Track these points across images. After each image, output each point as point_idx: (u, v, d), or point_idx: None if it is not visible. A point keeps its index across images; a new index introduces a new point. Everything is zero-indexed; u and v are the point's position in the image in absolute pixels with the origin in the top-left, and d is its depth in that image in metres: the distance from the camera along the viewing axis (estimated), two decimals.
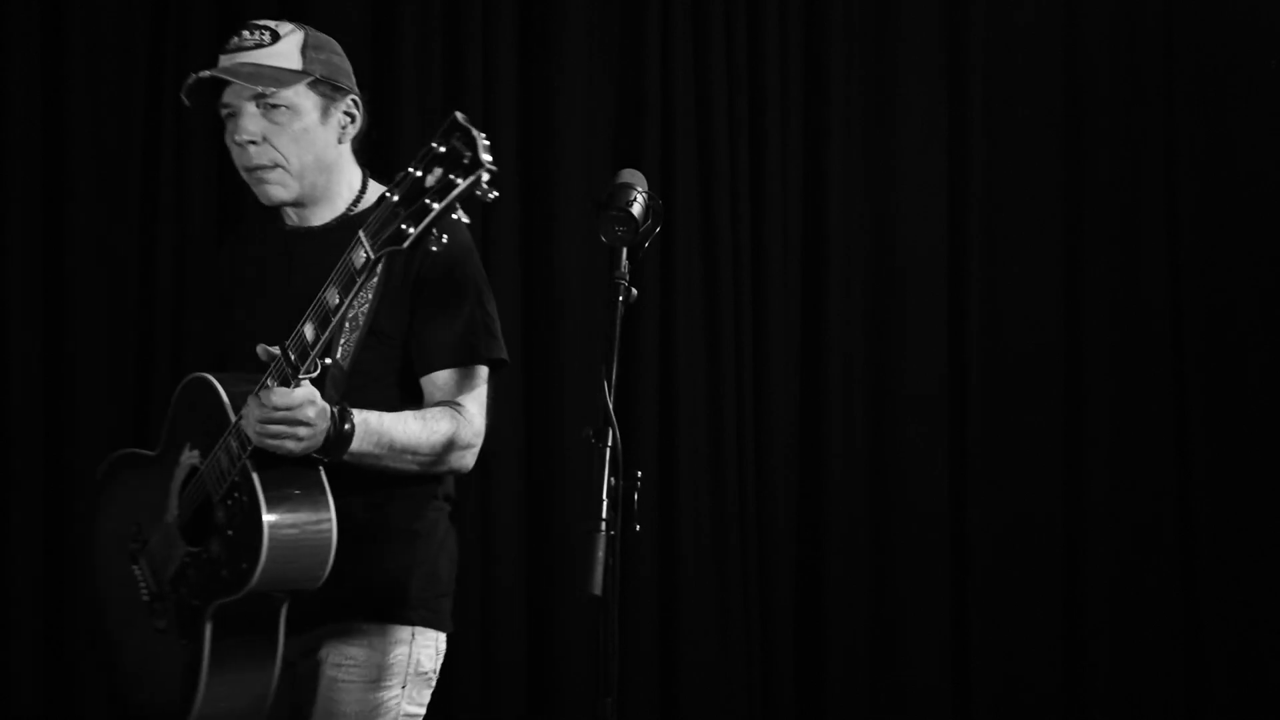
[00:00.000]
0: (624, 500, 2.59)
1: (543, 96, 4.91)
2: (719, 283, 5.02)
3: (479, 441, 3.06)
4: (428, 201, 2.56)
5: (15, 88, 4.50)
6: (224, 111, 3.09)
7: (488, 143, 2.52)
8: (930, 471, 5.20)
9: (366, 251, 2.66)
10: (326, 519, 2.86)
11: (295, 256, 3.11)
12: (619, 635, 2.59)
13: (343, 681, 3.03)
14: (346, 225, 3.04)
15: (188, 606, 2.95)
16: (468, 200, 2.55)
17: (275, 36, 3.11)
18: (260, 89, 3.02)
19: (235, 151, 3.09)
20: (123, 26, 4.61)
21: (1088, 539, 5.30)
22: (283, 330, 2.85)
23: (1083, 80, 5.39)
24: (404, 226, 2.59)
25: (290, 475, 2.85)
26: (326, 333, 2.74)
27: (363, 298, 2.87)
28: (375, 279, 2.87)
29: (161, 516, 3.03)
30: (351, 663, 3.04)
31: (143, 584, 3.07)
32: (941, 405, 5.22)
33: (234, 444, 2.85)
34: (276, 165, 3.05)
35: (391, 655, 3.07)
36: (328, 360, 2.79)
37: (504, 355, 3.08)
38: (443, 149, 2.55)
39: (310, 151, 3.05)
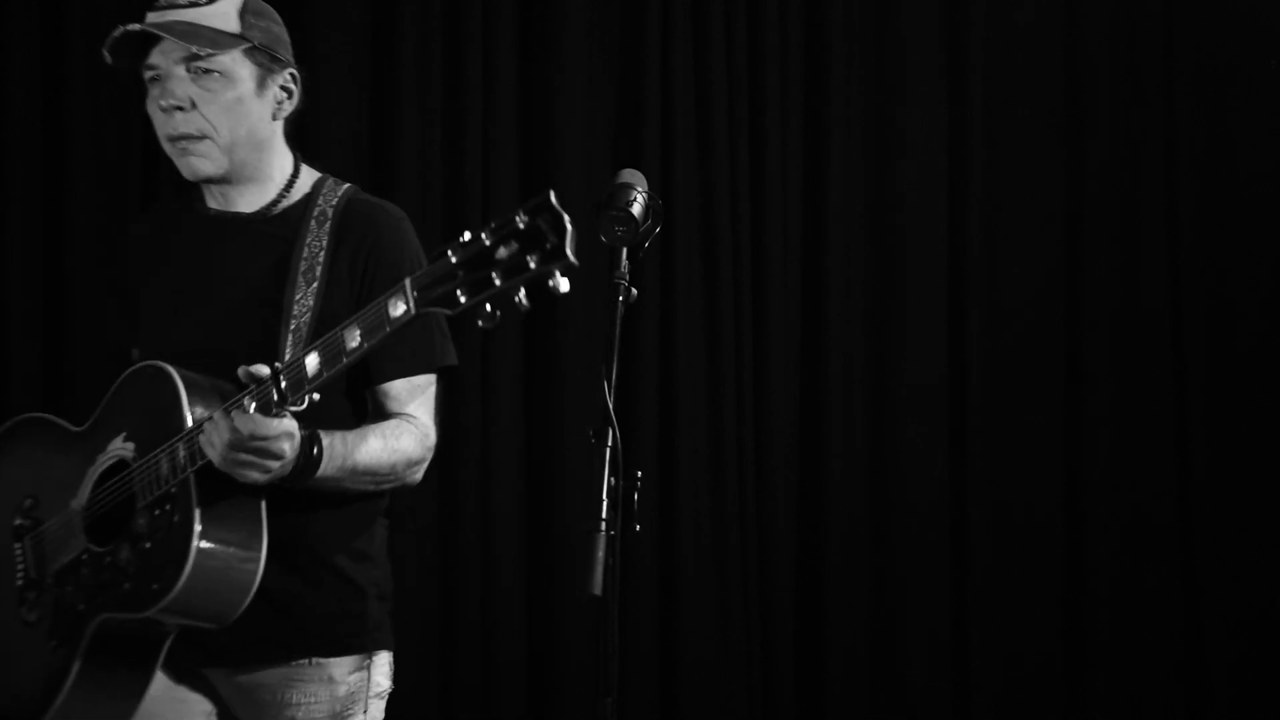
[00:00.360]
0: (624, 500, 2.59)
1: (543, 96, 4.91)
2: (719, 283, 5.02)
3: (431, 455, 2.92)
4: (493, 275, 2.34)
5: (15, 88, 4.50)
6: (148, 74, 2.85)
7: (574, 233, 2.40)
8: (930, 471, 5.20)
9: (409, 304, 2.42)
10: (255, 558, 2.64)
11: (221, 246, 2.89)
12: (619, 635, 2.58)
13: None
14: (282, 216, 2.88)
15: (69, 608, 2.72)
16: (531, 285, 2.37)
17: None
18: (195, 49, 2.77)
19: (159, 119, 2.85)
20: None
21: (1088, 539, 5.30)
22: (211, 330, 2.71)
23: (1083, 80, 5.39)
24: (459, 293, 2.36)
25: (231, 502, 2.63)
26: (333, 373, 2.54)
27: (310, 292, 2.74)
28: (316, 280, 2.75)
29: (67, 500, 2.79)
30: (313, 700, 2.88)
31: (20, 566, 2.83)
32: (941, 405, 5.22)
33: (182, 453, 2.64)
34: (204, 136, 2.82)
35: (353, 686, 2.94)
36: (317, 396, 2.57)
37: (455, 360, 2.93)
38: (525, 225, 2.37)
39: (243, 124, 2.82)
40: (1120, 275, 5.39)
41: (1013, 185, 5.34)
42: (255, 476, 2.60)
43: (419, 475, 2.92)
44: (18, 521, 2.86)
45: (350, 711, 2.93)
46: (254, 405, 2.56)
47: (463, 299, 2.36)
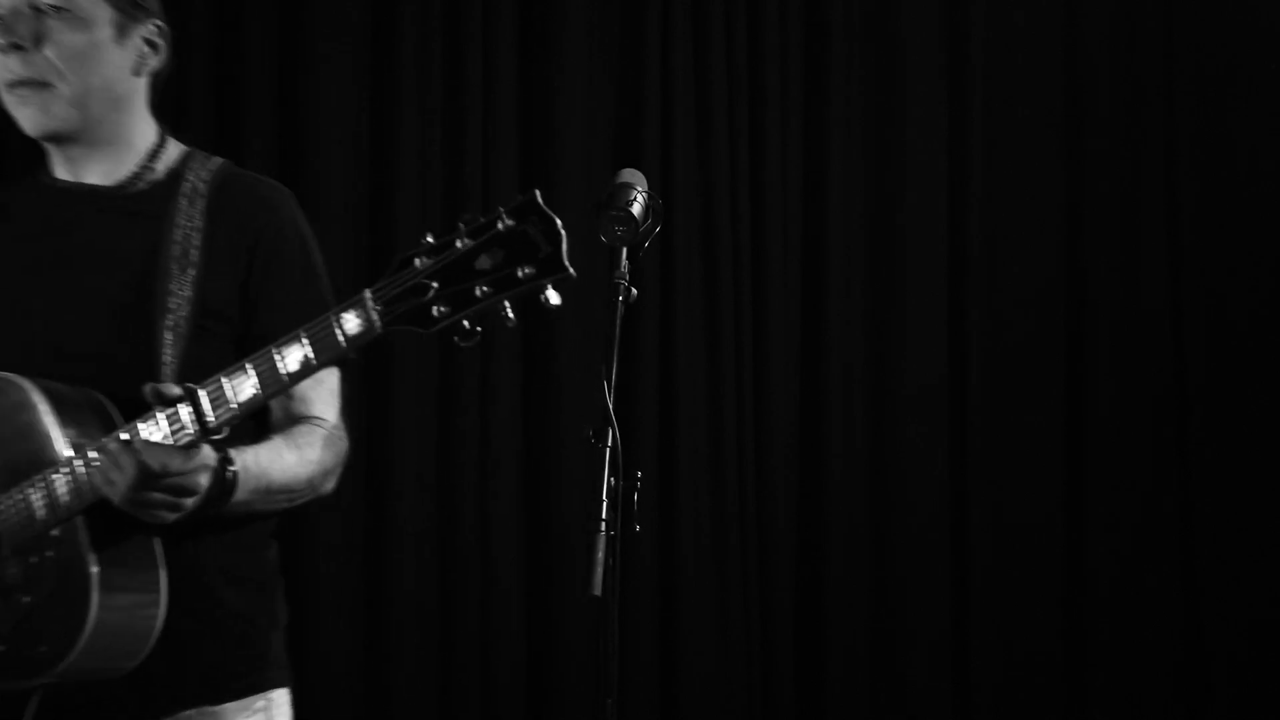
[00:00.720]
0: (624, 500, 2.59)
1: (543, 96, 4.91)
2: (719, 283, 5.02)
3: (344, 461, 2.58)
4: (476, 289, 2.03)
5: None
6: None
7: (568, 240, 2.10)
8: (930, 471, 5.20)
9: (371, 320, 2.11)
10: (155, 601, 2.25)
11: (75, 226, 2.48)
12: (619, 635, 2.58)
13: None
14: (147, 193, 2.52)
15: None
16: (521, 299, 2.09)
17: None
18: None
19: None
20: None
21: (1088, 539, 5.30)
22: (69, 328, 2.36)
23: (1083, 80, 5.39)
24: (435, 308, 2.05)
25: (128, 541, 2.23)
26: (267, 398, 2.18)
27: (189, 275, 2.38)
28: (193, 267, 2.39)
29: None
30: None
31: None
32: (941, 405, 5.22)
33: (63, 490, 2.21)
34: (48, 83, 2.42)
35: None
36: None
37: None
38: (510, 229, 2.05)
39: (97, 74, 2.45)
40: (1120, 275, 5.39)
41: (1013, 185, 5.34)
42: (165, 516, 2.21)
43: (333, 485, 2.56)
44: None
45: None
46: (160, 433, 2.16)
47: (442, 315, 2.05)
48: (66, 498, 2.22)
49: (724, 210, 5.03)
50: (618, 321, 2.72)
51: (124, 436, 2.18)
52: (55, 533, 2.22)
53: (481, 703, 4.76)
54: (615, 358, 2.68)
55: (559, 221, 2.09)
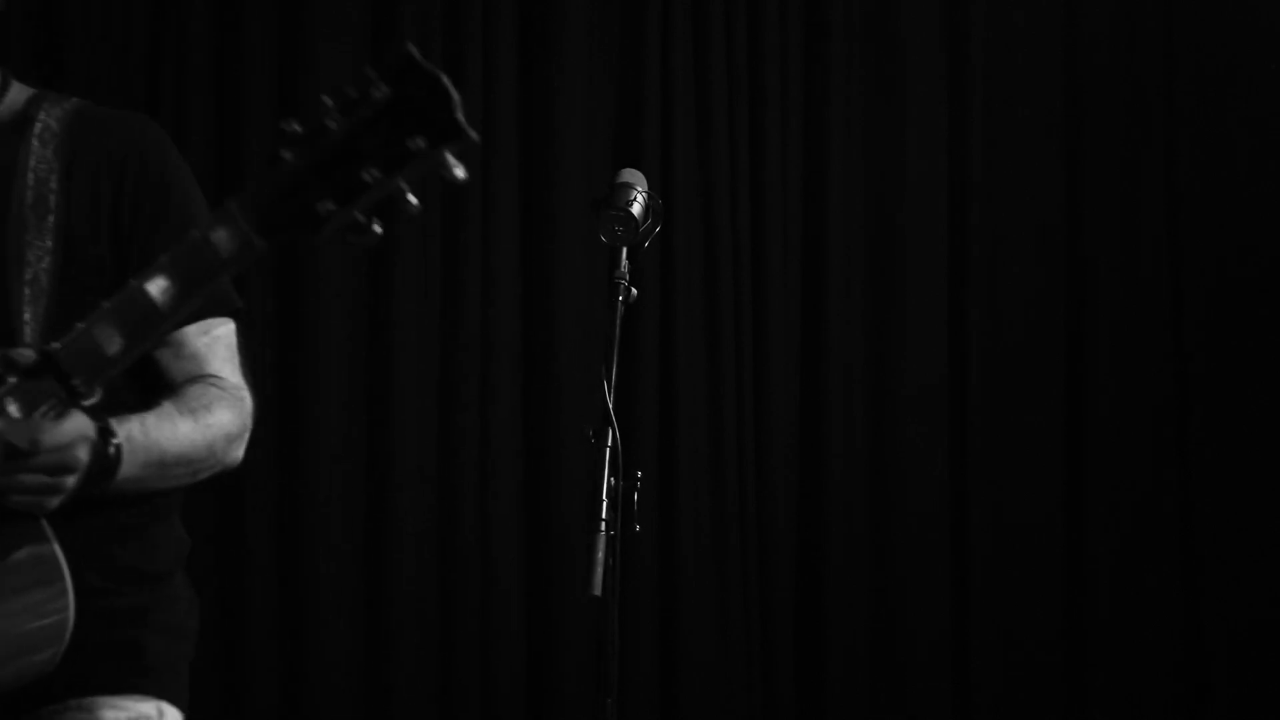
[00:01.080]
0: (624, 500, 2.59)
1: (543, 96, 4.91)
2: (719, 283, 5.02)
3: (251, 423, 2.26)
4: (364, 173, 1.73)
5: None
6: None
7: (459, 98, 1.79)
8: (930, 471, 5.20)
9: (242, 232, 1.79)
10: (62, 597, 1.97)
11: None
12: (619, 635, 2.58)
13: None
14: None
15: None
16: (421, 176, 1.79)
17: None
18: None
19: None
20: (121, 30, 4.62)
21: (1088, 539, 5.30)
22: None
23: (1083, 80, 5.39)
24: (319, 205, 1.75)
25: (9, 533, 1.95)
26: (142, 346, 1.86)
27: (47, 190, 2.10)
28: (51, 214, 2.11)
29: None
30: None
31: None
32: (941, 405, 5.22)
33: None
34: None
35: None
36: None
37: (241, 302, 2.30)
38: (389, 97, 1.75)
39: None
40: (1120, 275, 5.39)
41: (1013, 185, 5.34)
42: (46, 502, 1.94)
43: (239, 452, 2.25)
44: None
45: None
46: (19, 407, 1.85)
47: (326, 213, 1.74)
48: None
49: (724, 210, 5.03)
50: (618, 321, 2.72)
51: None
52: None
53: (481, 703, 4.76)
54: (615, 358, 2.68)
55: (444, 78, 1.78)
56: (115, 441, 2.03)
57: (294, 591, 4.67)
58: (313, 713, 4.65)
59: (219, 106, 4.69)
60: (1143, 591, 5.32)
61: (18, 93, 2.31)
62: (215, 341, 2.23)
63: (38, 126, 2.24)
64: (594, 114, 4.97)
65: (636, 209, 2.79)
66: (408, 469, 4.74)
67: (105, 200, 2.19)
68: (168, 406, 2.15)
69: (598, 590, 2.51)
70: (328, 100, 1.76)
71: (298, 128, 1.76)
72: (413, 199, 1.76)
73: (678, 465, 4.93)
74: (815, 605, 5.09)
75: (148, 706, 2.20)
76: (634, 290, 2.76)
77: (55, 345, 1.85)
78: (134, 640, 2.20)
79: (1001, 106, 5.33)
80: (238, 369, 2.25)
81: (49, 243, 2.13)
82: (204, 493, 4.66)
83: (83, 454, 1.94)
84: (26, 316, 2.09)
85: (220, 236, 1.79)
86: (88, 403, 1.88)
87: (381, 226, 1.76)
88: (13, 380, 1.86)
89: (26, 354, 1.86)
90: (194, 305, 1.84)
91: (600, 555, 2.52)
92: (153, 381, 2.19)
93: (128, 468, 2.04)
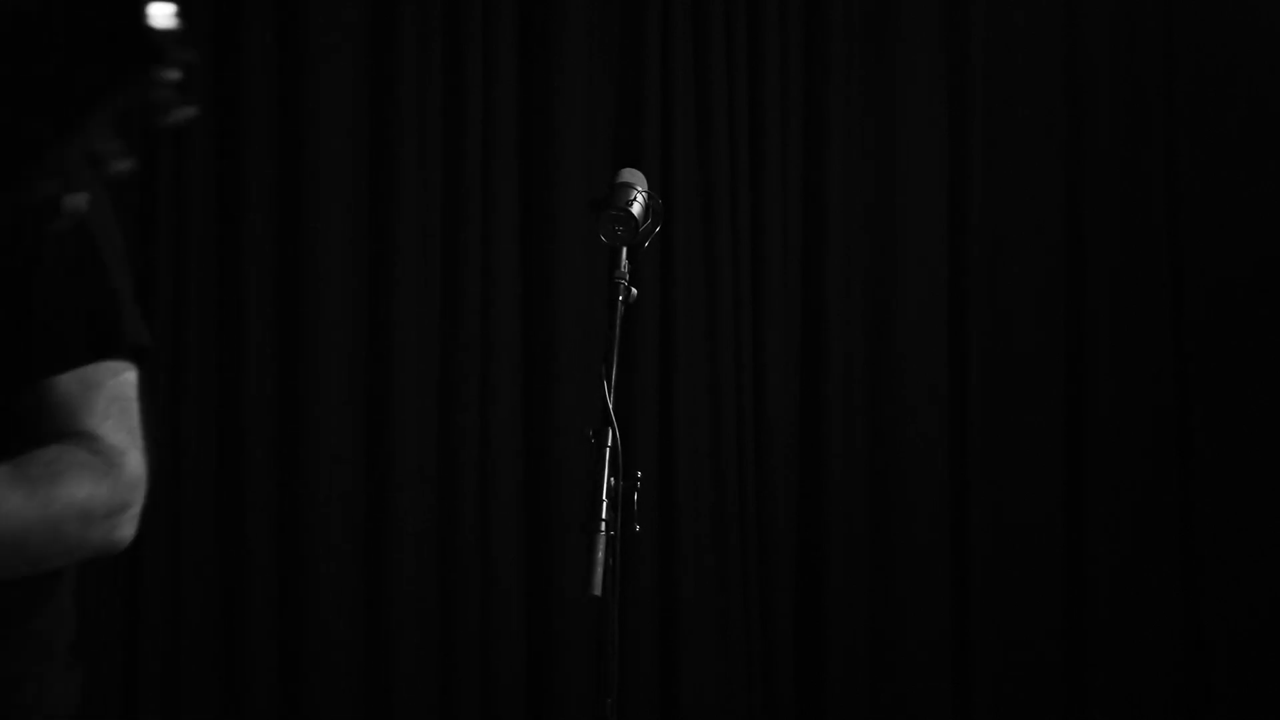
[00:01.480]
0: (624, 500, 2.59)
1: (543, 96, 4.91)
2: (719, 283, 5.02)
3: (140, 494, 1.86)
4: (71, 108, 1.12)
5: None
6: None
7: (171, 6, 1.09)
8: (930, 471, 5.20)
9: None
10: None
11: None
12: (619, 635, 2.58)
13: None
14: None
15: None
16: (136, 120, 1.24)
17: None
18: None
19: None
20: None
21: (1088, 539, 5.30)
22: None
23: (1083, 80, 5.39)
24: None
25: None
26: None
27: None
28: None
29: None
30: None
31: None
32: (942, 405, 5.21)
33: None
34: None
35: None
36: None
37: (149, 340, 1.90)
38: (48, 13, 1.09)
39: None
40: (1120, 275, 5.39)
41: (1013, 185, 5.33)
42: None
43: (120, 534, 1.86)
44: None
45: None
46: None
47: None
48: None
49: (724, 210, 5.03)
50: (618, 321, 2.72)
51: None
52: None
53: (481, 703, 4.76)
54: (615, 358, 2.68)
55: None
56: None
57: (294, 591, 4.67)
58: (313, 713, 4.65)
59: (218, 106, 4.69)
60: (1143, 591, 5.32)
61: None
62: (92, 390, 1.79)
63: None
64: (594, 114, 4.97)
65: (636, 209, 2.80)
66: (408, 469, 4.74)
67: None
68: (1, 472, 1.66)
69: (598, 590, 2.51)
70: None
71: None
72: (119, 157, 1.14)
73: (678, 465, 4.93)
74: (815, 605, 5.09)
75: None
76: (634, 290, 2.76)
77: None
78: None
79: (1001, 106, 5.33)
80: (125, 426, 1.81)
81: None
82: (204, 493, 4.69)
83: None
84: None
85: None
86: None
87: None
88: None
89: None
90: None
91: (600, 555, 2.52)
92: (20, 445, 1.72)
93: None
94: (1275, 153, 5.38)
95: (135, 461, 1.82)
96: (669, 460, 4.93)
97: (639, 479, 2.62)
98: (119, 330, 1.81)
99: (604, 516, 2.55)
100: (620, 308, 2.73)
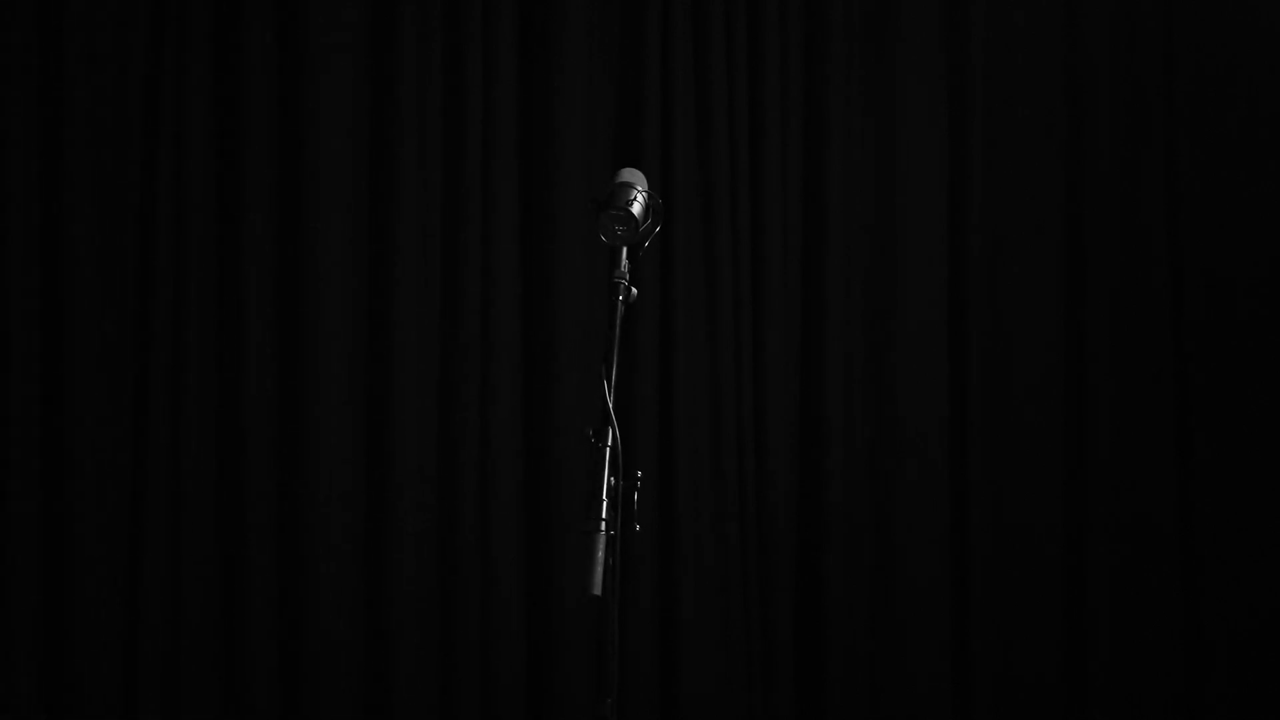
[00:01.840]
0: (624, 500, 2.59)
1: (543, 96, 4.91)
2: (719, 283, 5.02)
3: None
4: None
5: (14, 105, 4.53)
6: None
7: None
8: (930, 472, 5.19)
9: None
10: None
11: None
12: (619, 635, 2.58)
13: None
14: None
15: None
16: None
17: None
18: None
19: None
20: (120, 41, 4.63)
21: (1088, 539, 5.30)
22: None
23: (1083, 80, 5.39)
24: None
25: None
26: None
27: None
28: None
29: None
30: None
31: None
32: (941, 405, 5.21)
33: None
34: None
35: None
36: None
37: None
38: None
39: None
40: (1120, 275, 5.38)
41: (1013, 185, 5.33)
42: None
43: None
44: None
45: None
46: None
47: None
48: None
49: (724, 210, 5.03)
50: (618, 321, 2.72)
51: None
52: None
53: (481, 703, 4.76)
54: (615, 358, 2.68)
55: None
56: None
57: (294, 591, 4.67)
58: (313, 713, 4.65)
59: (219, 105, 4.69)
60: (1143, 591, 5.32)
61: None
62: None
63: None
64: (594, 114, 4.97)
65: (636, 209, 2.79)
66: (408, 469, 4.74)
67: None
68: None
69: (598, 590, 2.51)
70: None
71: None
72: None
73: (678, 465, 4.93)
74: (815, 605, 5.08)
75: None
76: (634, 290, 2.76)
77: None
78: None
79: (1001, 106, 5.33)
80: None
81: None
82: (204, 492, 4.70)
83: None
84: None
85: None
86: None
87: None
88: None
89: None
90: None
91: (600, 555, 2.52)
92: None
93: None
94: (1275, 153, 5.38)
95: None
96: (669, 460, 4.93)
97: (639, 479, 2.62)
98: None
99: (604, 516, 2.55)
100: (620, 308, 2.73)
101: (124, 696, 4.56)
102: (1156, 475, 5.35)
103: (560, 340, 4.86)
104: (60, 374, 4.54)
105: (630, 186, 2.81)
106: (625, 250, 2.78)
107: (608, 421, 2.60)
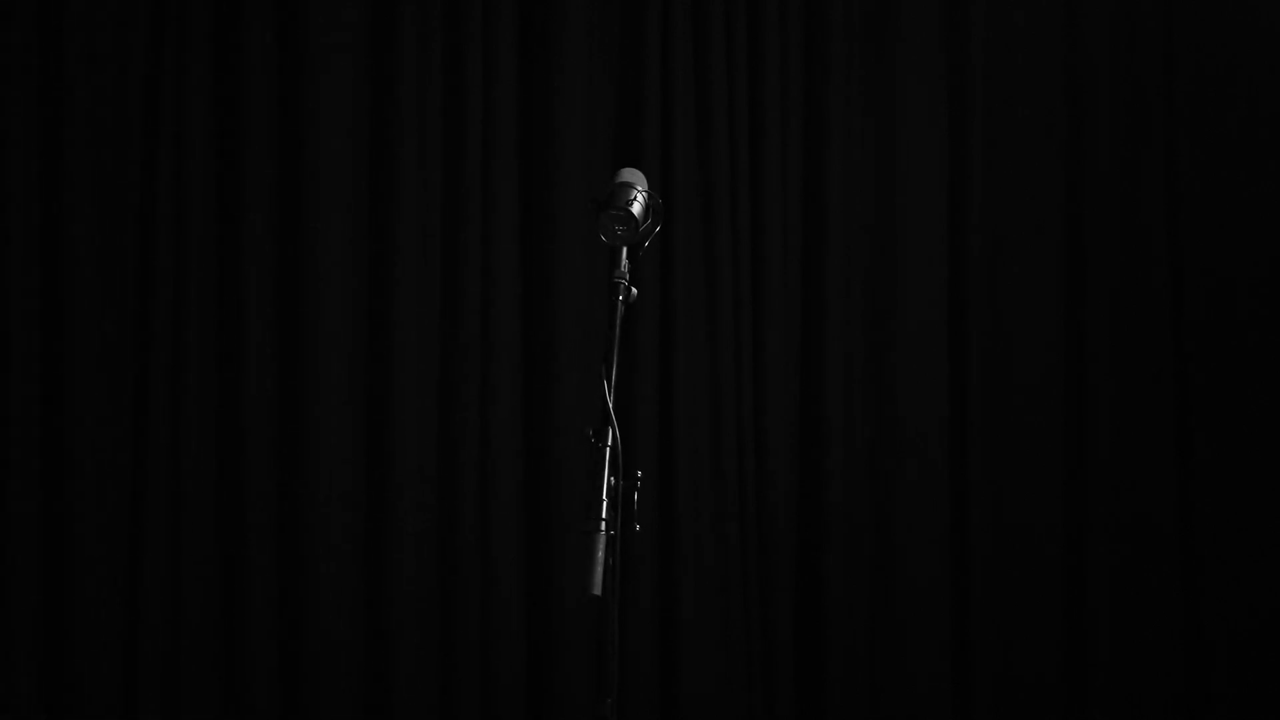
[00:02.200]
0: (624, 500, 2.59)
1: (543, 96, 4.91)
2: (719, 283, 5.02)
3: None
4: None
5: (14, 105, 4.53)
6: None
7: None
8: (930, 472, 5.19)
9: None
10: None
11: None
12: (619, 635, 2.58)
13: None
14: None
15: None
16: None
17: None
18: None
19: None
20: (120, 41, 4.63)
21: (1088, 539, 5.30)
22: None
23: (1083, 80, 5.39)
24: None
25: None
26: None
27: None
28: None
29: None
30: None
31: None
32: (941, 405, 5.21)
33: None
34: None
35: None
36: None
37: None
38: None
39: None
40: (1120, 275, 5.38)
41: (1013, 185, 5.33)
42: None
43: None
44: None
45: None
46: None
47: None
48: None
49: (724, 209, 5.03)
50: (618, 321, 2.72)
51: None
52: None
53: (481, 703, 4.76)
54: (615, 358, 2.68)
55: None
56: None
57: (294, 591, 4.67)
58: (313, 713, 4.65)
59: (219, 105, 4.69)
60: (1143, 591, 5.32)
61: None
62: None
63: None
64: (594, 114, 4.97)
65: (636, 209, 2.79)
66: (408, 469, 4.74)
67: None
68: None
69: (598, 590, 2.51)
70: None
71: None
72: None
73: (678, 465, 4.93)
74: (815, 605, 5.08)
75: None
76: (634, 290, 2.76)
77: None
78: None
79: (1001, 106, 5.33)
80: None
81: None
82: (204, 492, 4.70)
83: None
84: None
85: None
86: None
87: None
88: None
89: None
90: None
91: (600, 555, 2.52)
92: None
93: None
94: (1275, 153, 5.38)
95: None
96: (669, 460, 4.93)
97: (639, 479, 2.62)
98: None
99: (604, 516, 2.55)
100: (620, 308, 2.73)
101: (124, 696, 4.56)
102: (1156, 475, 5.35)
103: (560, 340, 4.86)
104: (60, 374, 4.54)
105: (630, 186, 2.81)
106: (625, 250, 2.78)
107: (608, 421, 2.60)
